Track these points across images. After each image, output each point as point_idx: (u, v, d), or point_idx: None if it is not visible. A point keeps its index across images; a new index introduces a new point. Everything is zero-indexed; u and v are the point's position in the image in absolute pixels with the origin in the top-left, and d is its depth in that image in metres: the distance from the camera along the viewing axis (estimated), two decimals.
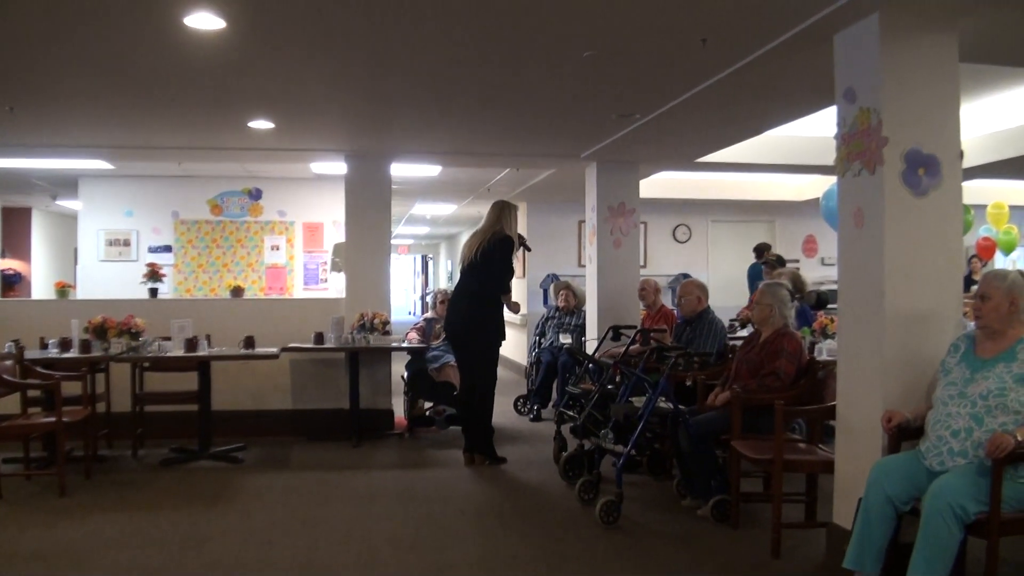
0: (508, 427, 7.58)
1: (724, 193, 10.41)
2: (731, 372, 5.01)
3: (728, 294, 10.77)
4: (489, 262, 5.74)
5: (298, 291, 9.58)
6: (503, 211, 5.89)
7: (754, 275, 9.08)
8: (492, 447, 5.94)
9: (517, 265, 5.89)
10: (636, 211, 7.71)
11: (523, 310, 10.98)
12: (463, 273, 5.86)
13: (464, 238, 17.27)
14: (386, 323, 6.94)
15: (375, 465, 5.92)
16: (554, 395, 8.11)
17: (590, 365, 6.41)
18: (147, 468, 5.84)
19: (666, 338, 6.31)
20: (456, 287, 5.99)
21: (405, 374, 7.34)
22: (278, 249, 9.60)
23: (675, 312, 7.18)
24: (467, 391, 5.88)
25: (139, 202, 9.37)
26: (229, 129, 6.13)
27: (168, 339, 6.18)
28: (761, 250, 9.32)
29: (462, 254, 5.91)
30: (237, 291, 7.65)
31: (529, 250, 6.11)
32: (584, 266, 8.89)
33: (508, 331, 12.23)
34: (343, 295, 7.48)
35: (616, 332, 6.54)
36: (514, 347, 12.04)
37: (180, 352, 5.99)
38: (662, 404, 4.90)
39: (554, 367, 8.05)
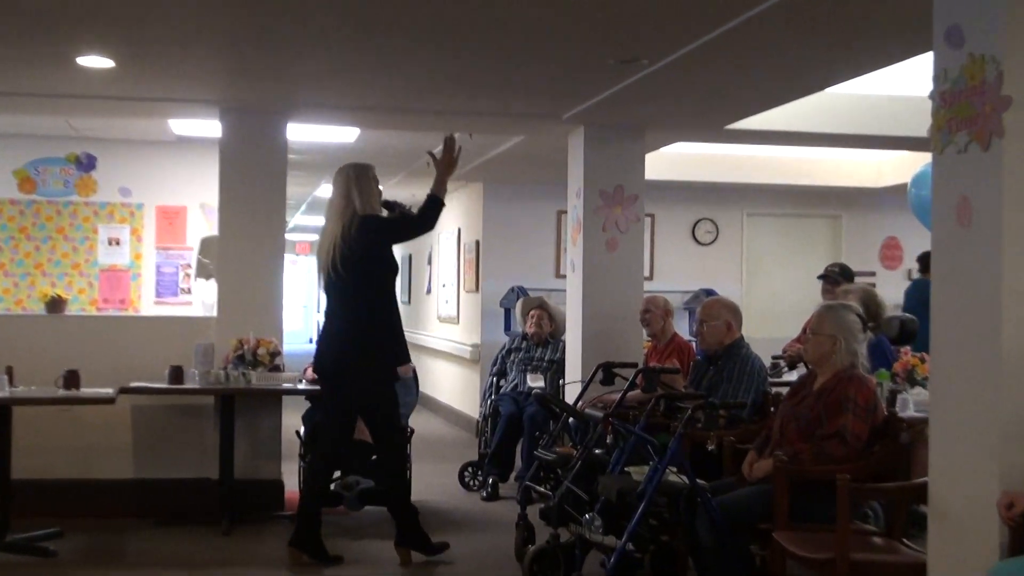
0: (450, 508, 7.71)
1: (767, 175, 10.56)
2: (773, 432, 5.07)
3: (771, 320, 10.92)
4: (357, 267, 5.76)
5: (147, 305, 9.58)
6: (350, 182, 5.90)
7: (917, 295, 8.46)
8: (423, 532, 6.07)
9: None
10: (640, 199, 7.83)
11: (473, 339, 11.19)
12: (327, 292, 5.95)
13: None
14: (275, 355, 6.99)
15: (255, 562, 5.90)
16: (518, 462, 8.22)
17: (570, 420, 6.48)
18: None
19: (679, 381, 6.42)
20: (325, 312, 6.07)
21: (302, 429, 7.39)
22: (119, 244, 9.57)
23: (693, 345, 7.28)
24: (385, 455, 6.01)
25: None
26: (47, 66, 6.11)
27: None
28: (924, 260, 8.74)
29: (318, 264, 6.00)
30: (56, 304, 7.60)
31: (458, 145, 5.98)
32: (564, 276, 9.03)
33: (449, 369, 13.03)
34: (213, 312, 7.60)
35: (609, 372, 6.62)
36: (459, 392, 12.20)
37: None
38: (673, 477, 4.94)
39: (518, 422, 8.17)
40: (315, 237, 26.45)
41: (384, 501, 6.67)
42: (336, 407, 5.99)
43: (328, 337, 5.96)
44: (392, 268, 5.90)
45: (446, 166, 5.95)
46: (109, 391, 6.37)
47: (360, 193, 5.82)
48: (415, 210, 6.01)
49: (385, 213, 5.98)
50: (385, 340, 5.85)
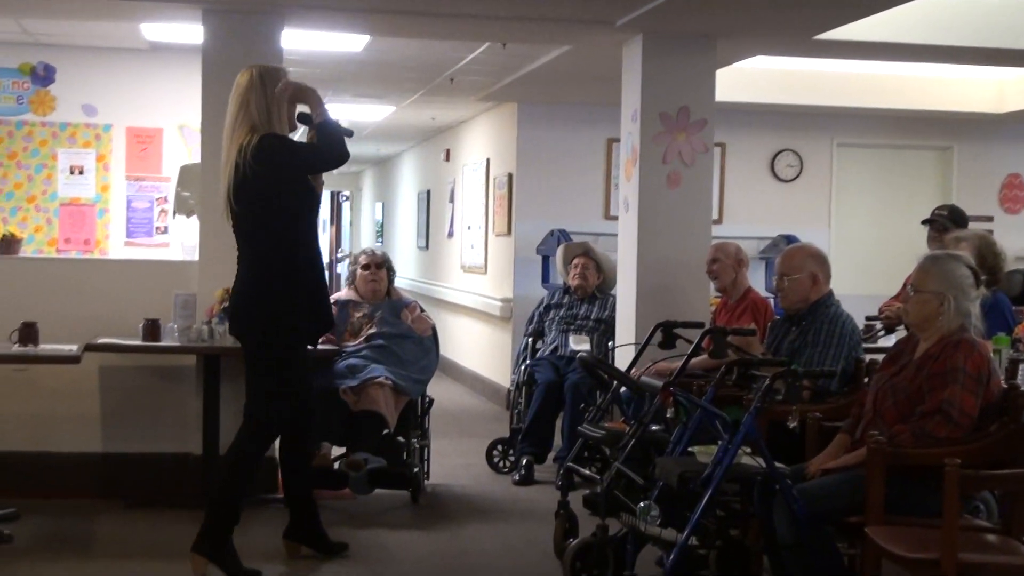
0: (475, 493, 7.80)
1: (863, 98, 10.52)
2: (866, 408, 5.08)
3: (865, 274, 10.92)
4: (254, 203, 5.61)
5: (116, 247, 9.56)
6: (252, 89, 5.66)
7: None
8: (320, 526, 6.10)
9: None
10: (708, 124, 7.84)
11: (504, 292, 11.28)
12: (235, 230, 5.79)
13: (409, 162, 17.46)
14: None
15: (244, 552, 5.85)
16: (557, 440, 8.27)
17: (621, 389, 6.48)
18: None
19: (754, 345, 6.33)
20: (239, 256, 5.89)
21: None
22: (82, 174, 9.57)
23: (771, 302, 7.32)
24: (294, 426, 5.93)
25: None
26: None
27: None
28: None
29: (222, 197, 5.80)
30: (7, 244, 7.65)
31: (350, 134, 5.77)
32: (615, 218, 9.00)
33: (475, 329, 13.12)
34: (195, 256, 7.61)
35: (669, 334, 6.60)
36: (487, 356, 12.32)
37: None
38: (746, 460, 4.96)
39: (558, 391, 8.21)
40: None
41: (398, 483, 6.74)
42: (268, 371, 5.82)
43: (236, 288, 5.85)
44: (299, 209, 5.67)
45: (304, 96, 5.72)
46: (72, 348, 6.40)
47: (261, 104, 5.57)
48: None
49: (300, 133, 5.81)
50: (280, 304, 5.65)
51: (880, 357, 5.61)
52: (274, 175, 5.51)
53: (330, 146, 5.53)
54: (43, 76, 9.43)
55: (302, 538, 6.07)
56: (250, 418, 5.70)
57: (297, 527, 6.06)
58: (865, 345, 6.66)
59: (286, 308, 5.63)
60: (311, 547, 6.07)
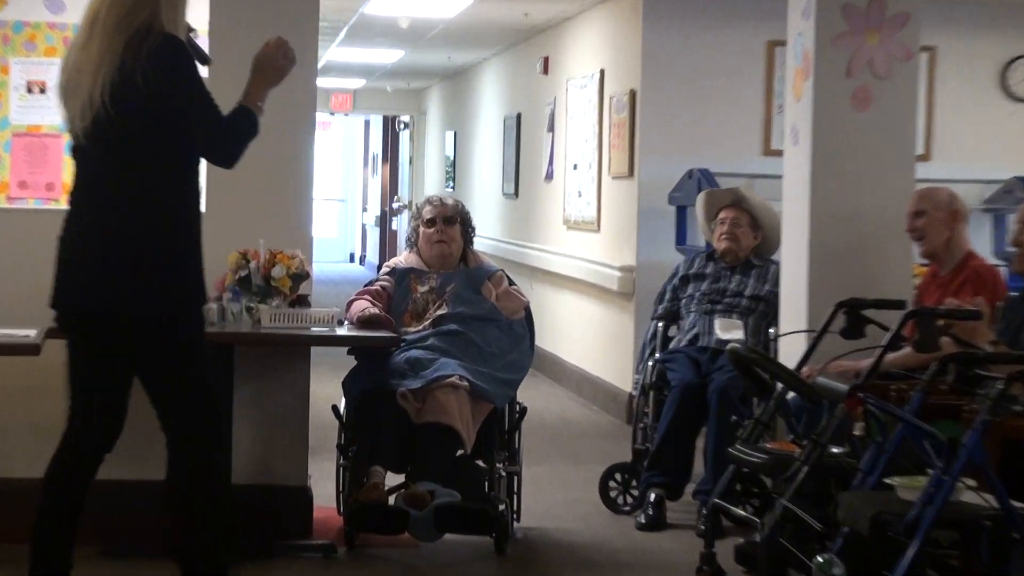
0: (586, 541, 7.86)
1: None
2: None
3: None
4: (142, 114, 5.65)
5: None
6: None
7: None
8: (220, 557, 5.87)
9: None
10: (913, 21, 7.85)
11: (624, 258, 11.24)
12: (79, 160, 5.85)
13: (492, 76, 17.50)
14: (301, 277, 7.13)
15: None
16: (699, 465, 8.27)
17: (789, 395, 6.62)
18: None
19: (979, 333, 6.24)
20: (72, 198, 5.93)
21: (342, 403, 7.57)
22: (43, 93, 9.35)
23: (1001, 272, 7.38)
24: (180, 445, 5.83)
25: None
26: None
27: None
28: None
29: (65, 109, 5.86)
30: None
31: (207, 63, 6.02)
32: (778, 153, 9.09)
33: (584, 309, 13.23)
34: (201, 207, 7.59)
35: (856, 317, 6.69)
36: (599, 347, 12.44)
37: None
38: (969, 496, 4.99)
39: (700, 397, 8.19)
40: (362, 83, 26.69)
41: (477, 525, 6.89)
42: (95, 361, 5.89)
43: (73, 243, 5.80)
44: (206, 112, 5.74)
45: (265, 70, 5.93)
46: (29, 334, 6.48)
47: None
48: None
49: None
50: (189, 259, 5.76)
51: None
52: (174, 88, 5.65)
53: (235, 130, 5.77)
54: None
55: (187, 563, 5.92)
56: (189, 439, 5.74)
57: None
58: None
59: (196, 264, 5.77)
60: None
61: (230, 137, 5.77)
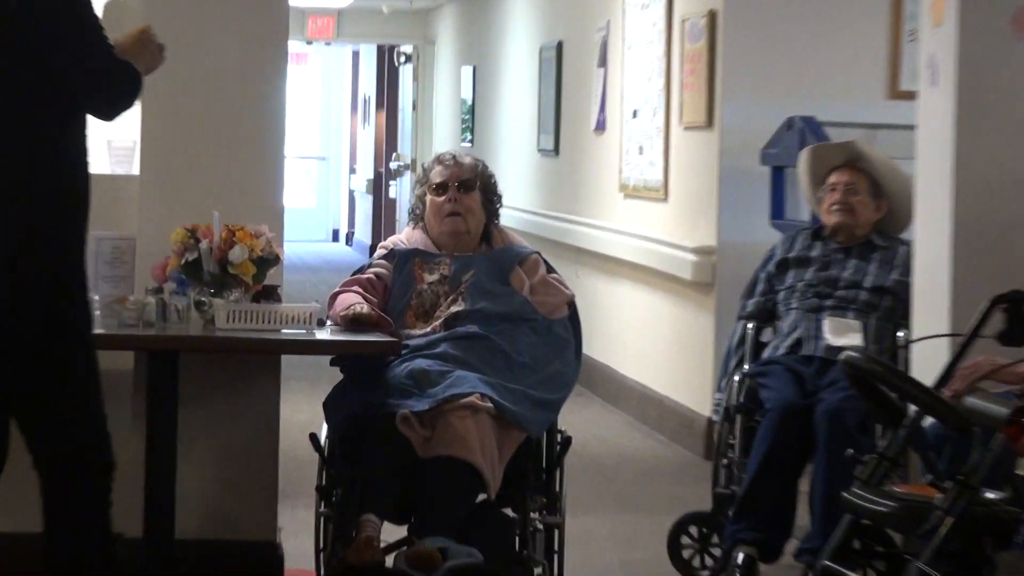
0: None
1: None
2: None
3: None
4: (22, 53, 5.72)
5: None
6: None
7: None
8: None
9: None
10: None
11: (701, 236, 11.12)
12: None
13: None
14: (269, 262, 7.12)
15: None
16: (802, 515, 7.98)
17: (926, 422, 6.49)
18: None
19: None
20: None
21: (323, 429, 7.37)
22: None
23: None
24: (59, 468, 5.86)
25: None
26: None
27: None
28: None
29: None
30: None
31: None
32: (910, 96, 9.04)
33: (648, 304, 14.02)
34: (131, 168, 8.05)
35: (1018, 314, 6.62)
36: (669, 357, 12.41)
37: None
38: None
39: (803, 425, 7.84)
40: (348, 3, 27.89)
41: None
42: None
43: None
44: (72, 65, 5.84)
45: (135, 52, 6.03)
46: None
47: None
48: None
49: None
50: (74, 243, 5.86)
51: None
52: (66, 28, 5.81)
53: (126, 77, 5.89)
54: None
55: None
56: (80, 458, 5.80)
57: None
58: None
59: (78, 250, 5.89)
60: None
61: (119, 81, 5.94)
